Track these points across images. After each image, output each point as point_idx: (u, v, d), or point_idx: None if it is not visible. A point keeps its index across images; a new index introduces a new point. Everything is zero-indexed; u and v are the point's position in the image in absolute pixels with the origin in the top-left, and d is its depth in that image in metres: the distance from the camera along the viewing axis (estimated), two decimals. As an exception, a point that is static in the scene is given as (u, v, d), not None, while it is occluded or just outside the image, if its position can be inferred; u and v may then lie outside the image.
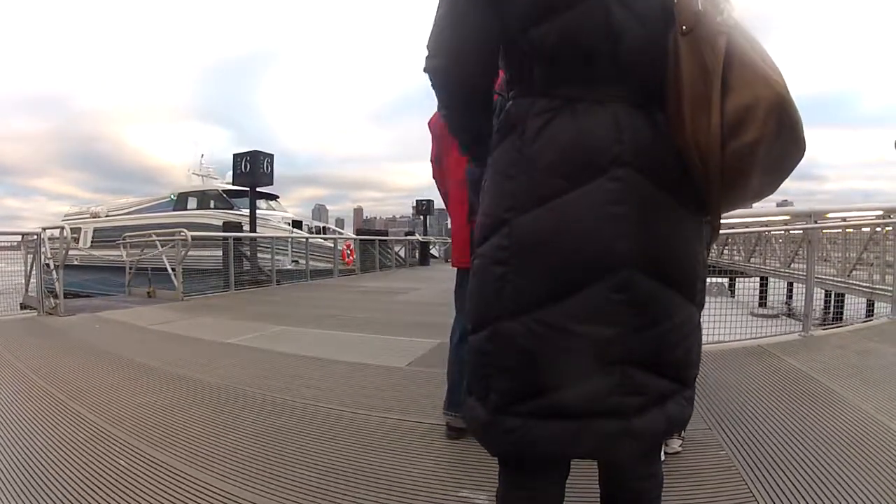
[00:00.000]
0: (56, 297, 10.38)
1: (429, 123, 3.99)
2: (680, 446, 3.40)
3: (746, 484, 3.04)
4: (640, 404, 1.49)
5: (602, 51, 1.45)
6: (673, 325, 1.52)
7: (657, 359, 1.50)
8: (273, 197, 31.49)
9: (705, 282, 1.67)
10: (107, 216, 34.68)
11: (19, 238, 11.31)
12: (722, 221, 1.58)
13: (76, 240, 31.83)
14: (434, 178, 4.09)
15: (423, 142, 4.09)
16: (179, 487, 3.07)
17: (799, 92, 1.45)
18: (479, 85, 1.56)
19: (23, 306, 11.00)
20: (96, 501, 2.90)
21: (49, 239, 10.99)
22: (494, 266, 1.50)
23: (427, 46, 1.57)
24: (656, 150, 1.47)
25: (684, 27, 1.42)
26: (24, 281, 11.09)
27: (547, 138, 1.46)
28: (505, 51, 1.55)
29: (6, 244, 11.34)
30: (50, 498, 2.94)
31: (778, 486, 3.00)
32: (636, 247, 1.43)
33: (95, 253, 28.04)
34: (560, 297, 1.44)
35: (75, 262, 28.35)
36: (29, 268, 10.90)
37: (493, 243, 1.51)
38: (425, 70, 1.58)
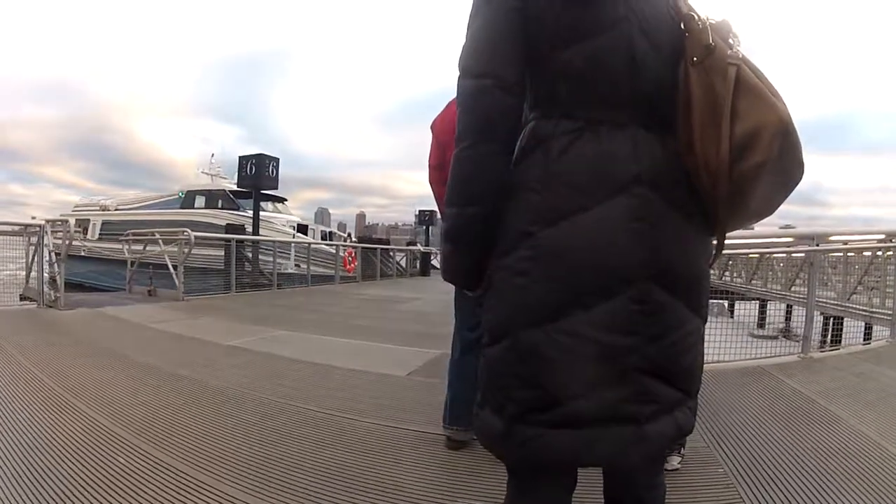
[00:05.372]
0: (57, 290, 10.41)
1: (432, 126, 3.94)
2: (679, 463, 3.41)
3: (744, 502, 3.05)
4: (652, 412, 1.53)
5: (623, 76, 1.51)
6: (681, 335, 1.56)
7: (667, 368, 1.54)
8: (281, 199, 31.56)
9: (709, 297, 1.72)
10: (116, 210, 34.83)
11: (21, 227, 11.27)
12: (725, 241, 1.63)
13: (84, 230, 32.00)
14: (430, 182, 4.01)
15: (428, 149, 3.98)
16: (178, 486, 3.08)
17: (804, 116, 1.51)
18: (513, 106, 1.55)
19: (22, 297, 11.02)
20: (94, 497, 2.91)
21: (52, 231, 10.96)
22: (517, 277, 1.52)
23: (459, 66, 1.59)
24: (669, 171, 1.53)
25: (695, 58, 1.50)
26: (24, 272, 11.11)
27: (572, 157, 1.50)
28: (531, 72, 1.57)
29: (8, 231, 11.29)
30: (47, 492, 2.94)
31: (775, 504, 3.02)
32: (654, 261, 1.49)
33: (103, 245, 28.18)
34: (583, 307, 1.47)
35: (82, 254, 28.50)
36: (30, 259, 10.91)
37: (516, 255, 1.53)
38: (459, 90, 1.59)
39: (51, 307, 10.12)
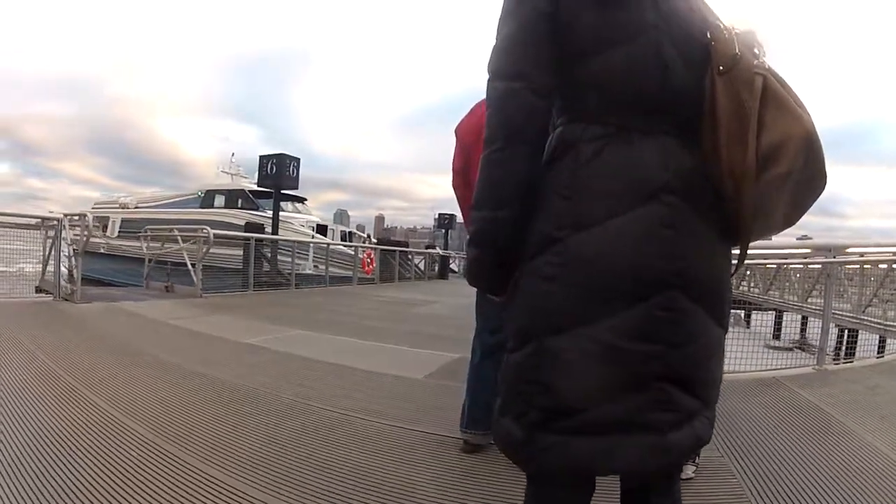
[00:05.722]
0: (74, 283, 10.45)
1: (456, 130, 3.90)
2: (694, 472, 3.41)
3: (757, 513, 3.05)
4: (673, 420, 1.53)
5: (653, 83, 1.52)
6: (703, 344, 1.57)
7: (688, 376, 1.55)
8: (300, 199, 31.66)
9: (731, 307, 1.73)
10: (136, 208, 34.98)
11: (39, 220, 11.23)
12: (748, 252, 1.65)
13: (104, 228, 32.19)
14: (454, 187, 3.99)
15: (451, 153, 3.95)
16: (191, 482, 3.09)
17: (822, 125, 1.55)
18: (543, 110, 1.56)
19: (38, 290, 11.04)
20: (106, 490, 2.92)
21: (70, 225, 10.99)
22: (543, 282, 1.53)
23: (489, 69, 1.59)
24: (695, 179, 1.53)
25: (721, 68, 1.51)
26: (41, 265, 11.10)
27: (601, 163, 1.50)
28: (561, 77, 1.56)
29: (24, 224, 11.32)
30: (59, 483, 2.95)
31: (788, 516, 3.02)
32: (680, 269, 1.49)
33: (122, 243, 28.36)
34: (609, 314, 1.47)
35: (102, 251, 28.66)
36: (47, 252, 10.89)
37: (543, 260, 1.53)
38: (489, 93, 1.59)
39: (67, 300, 10.14)
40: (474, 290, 2.66)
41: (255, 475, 3.24)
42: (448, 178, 3.98)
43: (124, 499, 2.86)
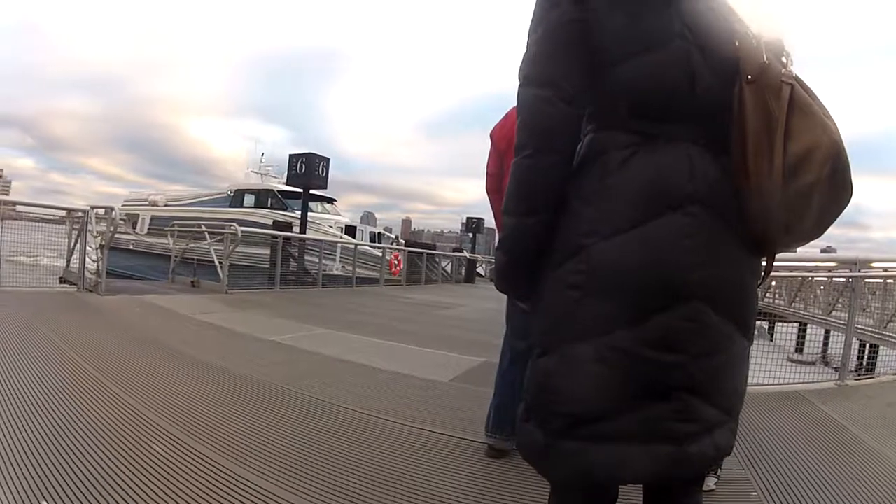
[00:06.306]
0: (99, 275, 10.50)
1: (491, 134, 3.93)
2: (715, 484, 3.43)
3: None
4: (693, 431, 1.54)
5: (681, 92, 1.53)
6: (728, 355, 1.58)
7: (711, 388, 1.56)
8: (330, 200, 31.76)
9: (756, 319, 1.74)
10: (165, 206, 35.22)
11: (64, 213, 11.37)
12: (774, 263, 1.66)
13: (134, 225, 32.75)
14: (487, 190, 4.01)
15: (480, 157, 3.96)
16: (215, 479, 3.13)
17: (849, 134, 1.56)
18: (573, 117, 1.58)
19: (62, 280, 11.11)
20: (127, 483, 2.96)
21: (97, 218, 11.01)
22: (569, 290, 1.55)
23: (520, 75, 1.61)
24: (722, 189, 1.54)
25: (749, 76, 1.51)
26: (66, 256, 11.18)
27: (629, 171, 1.52)
28: (591, 84, 1.58)
29: (49, 217, 11.41)
30: (77, 474, 3.00)
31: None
32: (705, 279, 1.50)
33: (151, 240, 28.57)
34: (633, 323, 1.49)
35: (131, 247, 28.87)
36: (73, 243, 10.97)
37: (569, 268, 1.55)
38: (520, 99, 1.61)
39: (91, 291, 10.23)
40: (502, 294, 2.69)
41: (278, 473, 3.28)
42: (477, 182, 4.02)
43: (145, 492, 2.89)
